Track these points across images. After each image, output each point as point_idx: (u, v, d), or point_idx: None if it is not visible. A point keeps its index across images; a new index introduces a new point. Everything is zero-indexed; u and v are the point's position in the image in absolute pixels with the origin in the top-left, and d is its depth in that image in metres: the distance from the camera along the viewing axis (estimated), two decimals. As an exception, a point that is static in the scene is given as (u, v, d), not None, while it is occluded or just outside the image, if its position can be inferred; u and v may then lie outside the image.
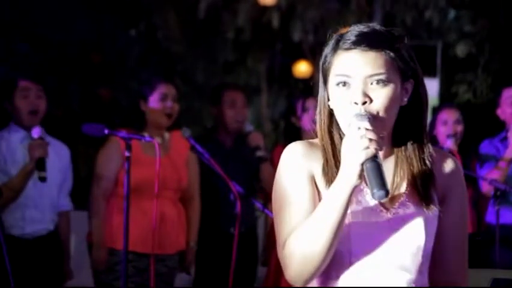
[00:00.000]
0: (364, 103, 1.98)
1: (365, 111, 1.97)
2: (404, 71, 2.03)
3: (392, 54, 2.01)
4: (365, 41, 2.00)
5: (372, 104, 1.98)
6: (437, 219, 2.07)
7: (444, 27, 9.91)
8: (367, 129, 1.90)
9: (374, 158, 1.87)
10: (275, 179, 2.07)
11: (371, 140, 1.88)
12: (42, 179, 4.14)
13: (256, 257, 5.36)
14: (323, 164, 2.03)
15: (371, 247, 2.00)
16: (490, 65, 9.99)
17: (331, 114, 2.07)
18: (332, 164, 2.03)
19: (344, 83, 2.00)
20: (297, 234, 1.96)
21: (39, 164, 4.13)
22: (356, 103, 1.98)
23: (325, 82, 2.07)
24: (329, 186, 1.99)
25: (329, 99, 2.06)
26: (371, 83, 1.99)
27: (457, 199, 2.12)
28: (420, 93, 2.07)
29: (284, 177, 2.05)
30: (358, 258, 2.00)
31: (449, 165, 2.12)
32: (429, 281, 2.09)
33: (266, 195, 5.24)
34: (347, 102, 2.00)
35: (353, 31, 2.03)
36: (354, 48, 2.00)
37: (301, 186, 2.02)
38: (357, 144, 1.88)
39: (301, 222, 1.98)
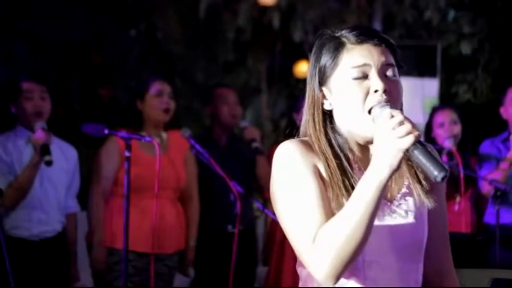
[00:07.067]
0: (384, 91, 1.98)
1: (387, 101, 1.96)
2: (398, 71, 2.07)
3: (396, 52, 2.06)
4: (376, 36, 2.04)
5: (389, 94, 1.99)
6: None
7: (444, 27, 9.90)
8: (404, 116, 1.88)
9: (419, 143, 1.85)
10: (275, 178, 2.01)
11: (412, 125, 1.86)
12: (49, 163, 4.16)
13: (255, 256, 5.37)
14: (325, 167, 2.01)
15: (382, 242, 2.00)
16: (490, 65, 9.99)
17: (325, 115, 2.07)
18: (334, 166, 2.00)
19: (363, 75, 2.00)
20: (333, 227, 1.88)
21: (44, 150, 4.17)
22: (376, 90, 1.98)
23: (322, 83, 2.06)
24: (334, 190, 1.98)
25: (323, 102, 2.06)
26: (385, 75, 2.00)
27: (440, 188, 2.15)
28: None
29: (290, 172, 1.98)
30: (371, 255, 1.98)
31: None
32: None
33: (263, 191, 5.29)
34: (364, 94, 1.99)
35: (357, 28, 2.05)
36: (366, 42, 2.02)
37: (312, 177, 1.98)
38: (397, 131, 1.85)
39: (328, 214, 1.92)
